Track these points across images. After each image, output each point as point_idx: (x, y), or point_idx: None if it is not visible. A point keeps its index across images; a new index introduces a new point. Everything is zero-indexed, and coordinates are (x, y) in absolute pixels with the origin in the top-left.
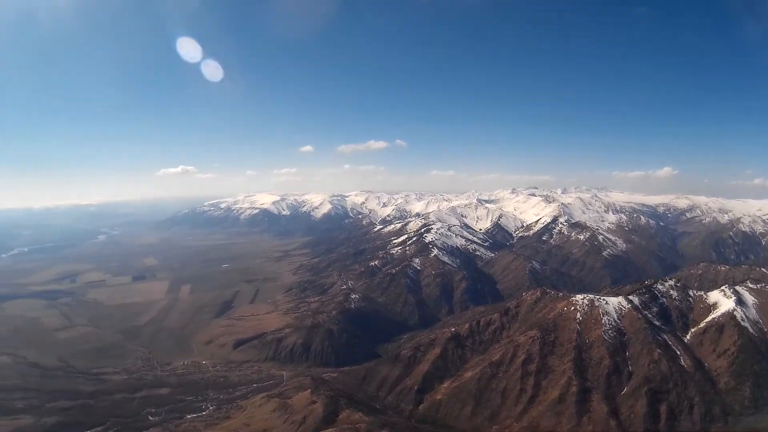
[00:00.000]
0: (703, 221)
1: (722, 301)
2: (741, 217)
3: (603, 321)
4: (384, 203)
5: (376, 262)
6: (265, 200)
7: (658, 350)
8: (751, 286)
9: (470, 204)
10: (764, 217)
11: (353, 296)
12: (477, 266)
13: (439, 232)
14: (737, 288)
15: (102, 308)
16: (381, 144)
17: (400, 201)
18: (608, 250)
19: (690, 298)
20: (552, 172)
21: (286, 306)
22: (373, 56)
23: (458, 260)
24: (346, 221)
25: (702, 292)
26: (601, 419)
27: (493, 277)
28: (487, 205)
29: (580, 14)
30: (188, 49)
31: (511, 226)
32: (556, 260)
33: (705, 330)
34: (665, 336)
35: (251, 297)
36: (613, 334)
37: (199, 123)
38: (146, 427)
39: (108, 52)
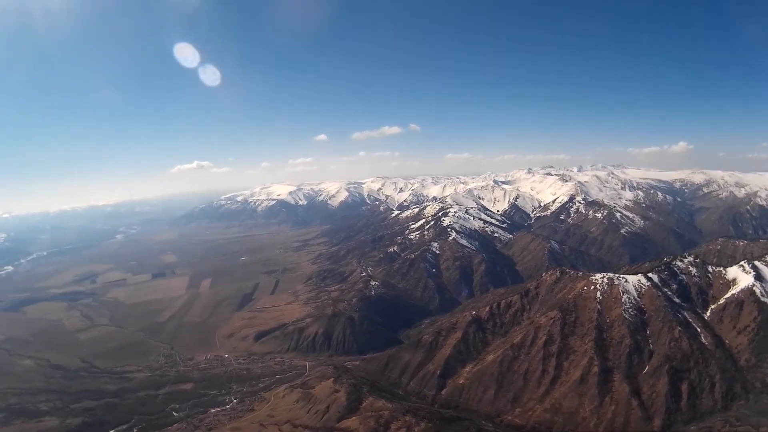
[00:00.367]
0: (720, 196)
1: (741, 276)
2: (758, 191)
3: (623, 300)
4: (400, 188)
5: (395, 248)
6: (282, 191)
7: (679, 328)
8: None
9: (486, 186)
10: None
11: (373, 283)
12: (495, 248)
13: (456, 215)
14: (756, 263)
15: (123, 307)
16: (395, 129)
17: (416, 186)
18: (626, 227)
19: (709, 275)
20: (567, 151)
21: (307, 296)
22: (383, 42)
23: (476, 243)
24: (363, 208)
25: (721, 268)
26: (623, 399)
27: (512, 258)
28: (504, 186)
29: None
30: (198, 47)
31: (528, 207)
32: (574, 239)
33: (725, 306)
34: (685, 313)
35: (271, 288)
36: (633, 312)
37: (212, 118)
38: (171, 423)
39: (119, 51)
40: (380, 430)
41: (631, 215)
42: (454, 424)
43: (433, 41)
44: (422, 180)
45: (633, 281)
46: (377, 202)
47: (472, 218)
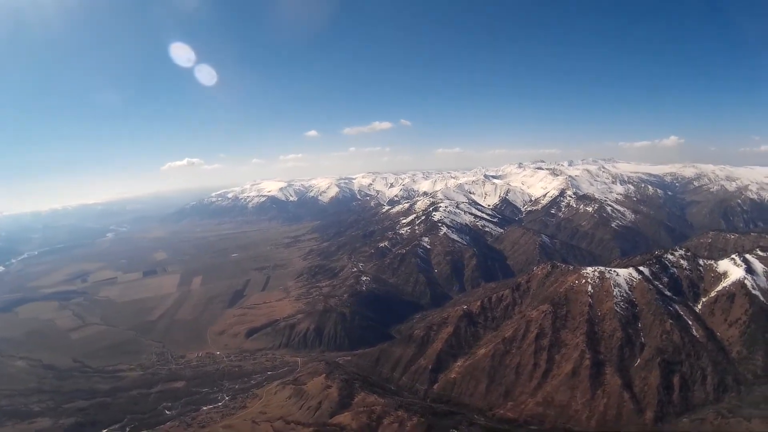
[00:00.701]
0: (711, 189)
1: (732, 269)
2: (749, 185)
3: (614, 293)
4: (391, 184)
5: (386, 243)
6: (272, 187)
7: (670, 321)
8: (760, 254)
9: (477, 180)
10: None
11: (364, 278)
12: (486, 242)
13: (447, 210)
14: (747, 256)
15: (114, 306)
16: (386, 125)
17: (406, 181)
18: (617, 221)
19: (700, 268)
20: (558, 145)
21: (298, 292)
22: (375, 38)
23: (467, 237)
24: (353, 204)
25: (712, 261)
26: (615, 392)
27: (503, 252)
28: (494, 180)
29: None
30: (191, 47)
31: (518, 201)
32: (565, 233)
33: (716, 299)
34: (676, 306)
35: (262, 285)
36: (624, 305)
37: (202, 115)
38: (163, 421)
39: (111, 50)
40: (373, 426)
41: (622, 209)
42: (447, 419)
43: (424, 37)
44: (413, 175)
45: (624, 275)
46: (368, 198)
47: (462, 213)
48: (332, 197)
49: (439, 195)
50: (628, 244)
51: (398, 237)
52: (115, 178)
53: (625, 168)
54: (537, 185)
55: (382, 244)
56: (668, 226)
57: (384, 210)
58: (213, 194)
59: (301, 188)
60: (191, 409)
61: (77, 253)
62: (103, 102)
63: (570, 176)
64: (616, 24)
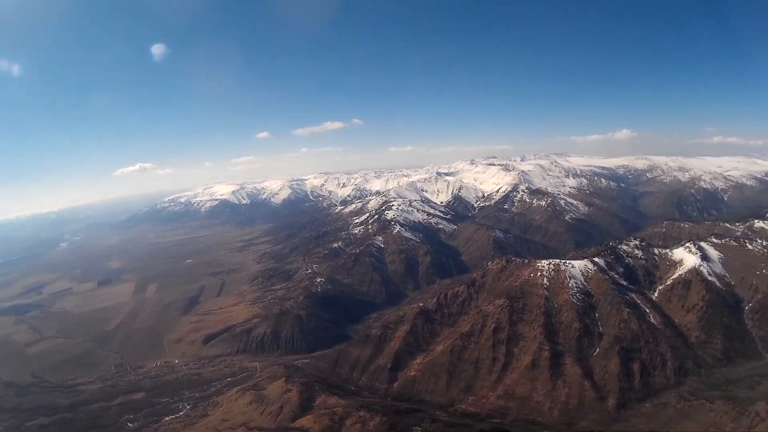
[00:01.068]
0: (664, 181)
1: (687, 257)
2: (701, 175)
3: (570, 285)
4: (343, 184)
5: (339, 244)
6: (224, 191)
7: (627, 309)
8: (715, 241)
9: (429, 178)
10: (725, 174)
11: (318, 280)
12: (440, 239)
13: (399, 208)
14: (702, 244)
15: (71, 317)
16: (337, 124)
17: (359, 180)
18: (570, 214)
19: (655, 257)
20: (510, 141)
21: (253, 296)
22: (324, 38)
23: (421, 235)
24: (306, 205)
25: (667, 250)
26: (576, 382)
27: (457, 249)
28: (447, 177)
29: None
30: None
31: (471, 197)
32: (518, 228)
33: (672, 287)
34: (633, 295)
35: (217, 290)
36: (580, 296)
37: (153, 119)
38: None
39: (59, 63)
40: (335, 427)
41: (575, 202)
42: (409, 416)
43: (374, 37)
44: (365, 174)
45: (579, 266)
46: (320, 198)
47: (415, 211)
48: (285, 199)
49: (392, 194)
50: (582, 236)
51: (351, 237)
52: (67, 185)
53: (578, 162)
54: (489, 181)
55: (335, 245)
56: (622, 217)
57: (337, 210)
58: (165, 199)
59: (254, 191)
60: (153, 420)
61: (32, 265)
62: (52, 108)
63: (522, 171)
64: (565, 18)
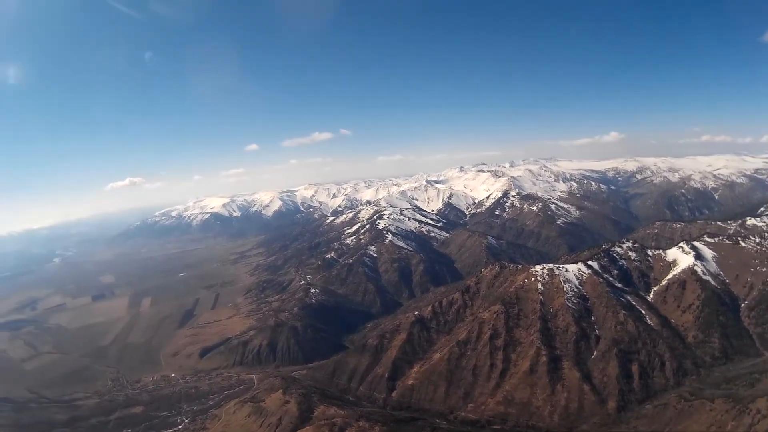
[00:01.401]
0: (654, 181)
1: (681, 257)
2: (692, 174)
3: (565, 289)
4: (334, 194)
5: (332, 254)
6: (215, 203)
7: (623, 312)
8: (708, 240)
9: (420, 186)
10: (715, 173)
11: (313, 291)
12: (433, 247)
13: (391, 217)
14: (695, 243)
15: (65, 332)
16: (326, 135)
17: (349, 190)
18: (562, 218)
19: (649, 258)
20: (499, 147)
21: (248, 308)
22: (308, 48)
23: (414, 243)
24: (297, 216)
25: (660, 251)
26: (575, 386)
27: (450, 256)
28: (437, 185)
29: None
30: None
31: (462, 204)
32: (511, 233)
33: (667, 287)
34: (628, 297)
35: (212, 303)
36: (576, 300)
37: (142, 133)
38: None
39: (45, 75)
40: None
41: (566, 206)
42: (409, 425)
43: (357, 44)
44: (355, 184)
45: (573, 270)
46: (311, 209)
47: (407, 219)
48: (276, 210)
49: (383, 203)
50: (575, 239)
51: (344, 247)
52: (58, 200)
53: (567, 166)
54: (480, 188)
55: (328, 256)
56: (613, 219)
57: (328, 221)
58: (157, 213)
59: (244, 203)
60: None
61: (25, 280)
62: (41, 121)
63: (512, 177)
64: (550, 22)
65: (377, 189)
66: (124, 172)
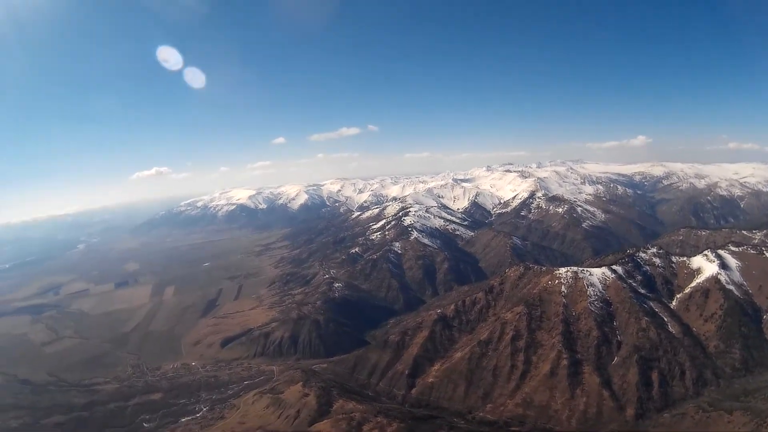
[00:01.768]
0: (681, 187)
1: (705, 265)
2: (718, 182)
3: (588, 292)
4: (360, 189)
5: (357, 249)
6: (241, 195)
7: (646, 318)
8: (733, 249)
9: (446, 184)
10: (741, 180)
11: (336, 285)
12: (458, 246)
13: (417, 214)
14: (720, 252)
15: (87, 318)
16: (353, 130)
17: (375, 186)
18: (587, 221)
19: (673, 265)
20: (526, 147)
21: (271, 300)
22: (340, 45)
23: (439, 241)
24: (323, 210)
25: (685, 258)
26: (594, 391)
27: (475, 255)
28: (464, 184)
29: None
30: (165, 57)
31: (488, 204)
32: (536, 235)
33: (690, 295)
34: (651, 303)
35: (235, 294)
36: (599, 305)
37: (169, 124)
38: None
39: (75, 64)
40: None
41: (592, 209)
42: (426, 423)
43: (391, 44)
44: (381, 180)
45: (597, 274)
46: (337, 204)
47: (433, 217)
48: (302, 204)
49: (409, 200)
50: (600, 243)
51: (369, 242)
52: (84, 188)
53: (594, 168)
54: (506, 188)
55: (353, 250)
56: (639, 224)
57: (354, 216)
58: (182, 203)
59: (271, 196)
60: (169, 421)
61: (49, 266)
62: (71, 113)
63: (539, 178)
64: (582, 26)
65: (404, 186)
66: (151, 161)
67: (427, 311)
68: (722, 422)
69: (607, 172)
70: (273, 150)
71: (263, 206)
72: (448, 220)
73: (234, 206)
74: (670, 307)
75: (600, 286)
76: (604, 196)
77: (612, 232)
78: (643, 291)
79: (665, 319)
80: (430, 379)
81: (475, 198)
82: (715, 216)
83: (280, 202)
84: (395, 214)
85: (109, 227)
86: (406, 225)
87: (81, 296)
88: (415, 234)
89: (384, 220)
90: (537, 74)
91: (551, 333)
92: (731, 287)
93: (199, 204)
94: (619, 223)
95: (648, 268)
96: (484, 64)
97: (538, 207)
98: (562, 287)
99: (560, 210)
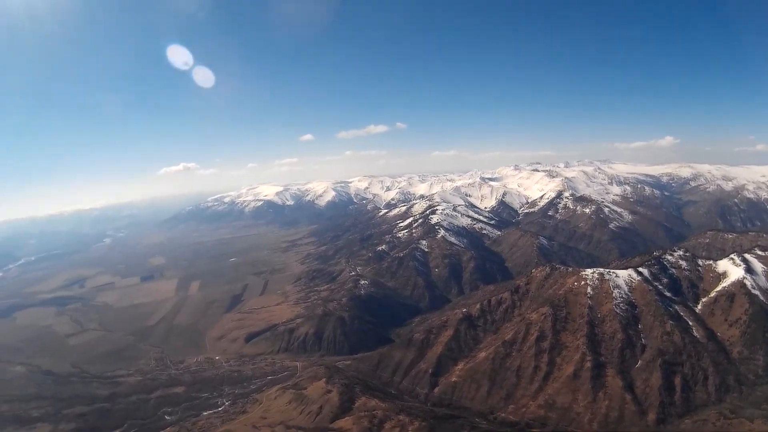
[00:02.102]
0: (708, 189)
1: (731, 269)
2: (745, 184)
3: (614, 294)
4: (387, 187)
5: (384, 247)
6: (269, 191)
7: (671, 322)
8: (759, 253)
9: (474, 183)
10: None
11: (362, 282)
12: (484, 245)
13: (444, 212)
14: (746, 256)
15: (112, 311)
16: (381, 128)
17: (403, 184)
18: (614, 222)
19: (699, 268)
20: (554, 147)
21: (296, 296)
22: (370, 43)
23: (465, 240)
24: (350, 207)
25: (711, 261)
26: (617, 394)
27: (501, 255)
28: (491, 183)
29: None
30: (188, 51)
31: (515, 203)
32: (562, 235)
33: (716, 299)
34: (676, 307)
35: (260, 289)
36: (624, 307)
37: (198, 120)
38: (163, 427)
39: (106, 57)
40: (374, 430)
41: (619, 210)
42: (448, 422)
43: (419, 40)
44: (409, 178)
45: (623, 276)
46: (364, 201)
47: (460, 215)
48: (329, 201)
49: (436, 198)
50: (627, 244)
51: (396, 240)
52: (111, 182)
53: (622, 169)
54: (534, 187)
55: (380, 248)
56: (666, 226)
57: (381, 213)
58: (209, 199)
59: (298, 192)
60: (191, 414)
61: (74, 259)
62: (99, 107)
63: (566, 178)
64: (611, 25)
65: (431, 184)
66: (178, 157)
67: (452, 310)
68: (743, 430)
69: (634, 173)
70: (300, 147)
71: (290, 203)
72: (475, 219)
73: (261, 202)
74: (695, 310)
75: (626, 289)
76: (631, 197)
77: (638, 234)
78: (668, 294)
79: (690, 323)
80: (454, 379)
81: (503, 197)
82: (741, 219)
83: (307, 198)
84: (422, 212)
85: (135, 222)
86: (433, 223)
87: (106, 289)
88: (441, 232)
89: (411, 218)
90: (565, 73)
91: (576, 335)
92: (756, 292)
93: (227, 199)
94: (646, 225)
95: (674, 270)
96: (512, 62)
97: (566, 207)
98: (588, 288)
99: (587, 210)
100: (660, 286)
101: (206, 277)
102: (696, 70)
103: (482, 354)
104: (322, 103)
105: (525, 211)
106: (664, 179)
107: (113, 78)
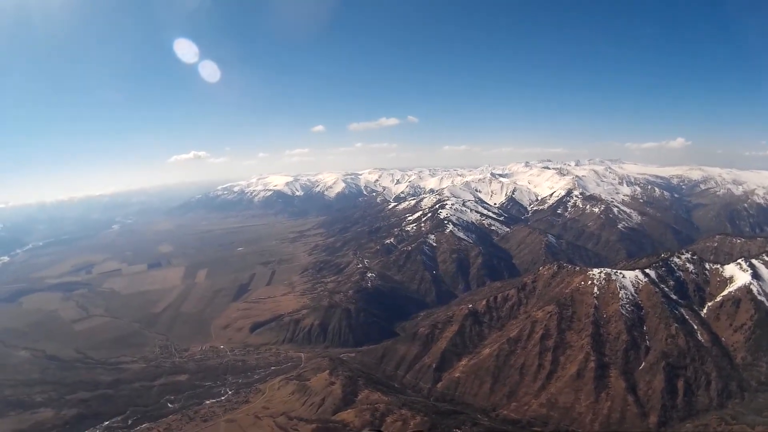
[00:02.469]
0: (718, 193)
1: (738, 274)
2: (755, 189)
3: (620, 295)
4: (397, 180)
5: (392, 240)
6: (278, 182)
7: (676, 325)
8: (766, 259)
9: (484, 179)
10: None
11: (369, 275)
12: (492, 241)
13: (453, 207)
14: (753, 261)
15: (118, 297)
16: (392, 121)
17: (413, 177)
18: (623, 222)
19: (706, 272)
20: (565, 144)
21: (303, 287)
22: (382, 35)
23: (474, 236)
24: (359, 200)
25: (718, 265)
26: (619, 395)
27: (509, 251)
28: (501, 179)
29: None
30: (197, 42)
31: (525, 200)
32: (571, 234)
33: (721, 304)
34: (682, 310)
35: (267, 279)
36: (630, 308)
37: (209, 108)
38: (165, 414)
39: (116, 45)
40: (376, 423)
41: (628, 210)
42: (450, 418)
43: (431, 35)
44: (419, 172)
45: (630, 277)
46: (374, 194)
47: (469, 211)
48: (338, 192)
49: (446, 192)
50: (634, 245)
51: (404, 234)
52: (121, 169)
53: (632, 169)
54: (544, 185)
55: (388, 241)
56: (674, 228)
57: (390, 206)
58: (219, 188)
59: (308, 183)
60: (194, 402)
61: (82, 245)
62: (110, 94)
63: (577, 176)
64: (624, 24)
65: (441, 178)
66: (189, 145)
67: (458, 305)
68: None
69: (644, 174)
70: (312, 138)
71: (300, 193)
72: (483, 215)
73: (270, 192)
74: (700, 314)
75: (632, 290)
76: (641, 198)
77: (647, 235)
78: (674, 297)
79: (695, 327)
80: (457, 374)
81: (512, 193)
82: (750, 224)
83: (317, 189)
84: (431, 207)
85: (144, 209)
86: (441, 218)
87: (113, 276)
88: (450, 227)
89: (420, 212)
90: (577, 71)
91: (581, 334)
92: (762, 298)
93: (236, 189)
94: (655, 226)
95: (681, 273)
96: (525, 59)
97: (575, 206)
98: (595, 288)
99: (596, 210)
100: (666, 289)
101: (213, 265)
102: (709, 72)
103: (486, 350)
104: (334, 95)
105: (534, 208)
106: (674, 181)
107: (125, 68)
